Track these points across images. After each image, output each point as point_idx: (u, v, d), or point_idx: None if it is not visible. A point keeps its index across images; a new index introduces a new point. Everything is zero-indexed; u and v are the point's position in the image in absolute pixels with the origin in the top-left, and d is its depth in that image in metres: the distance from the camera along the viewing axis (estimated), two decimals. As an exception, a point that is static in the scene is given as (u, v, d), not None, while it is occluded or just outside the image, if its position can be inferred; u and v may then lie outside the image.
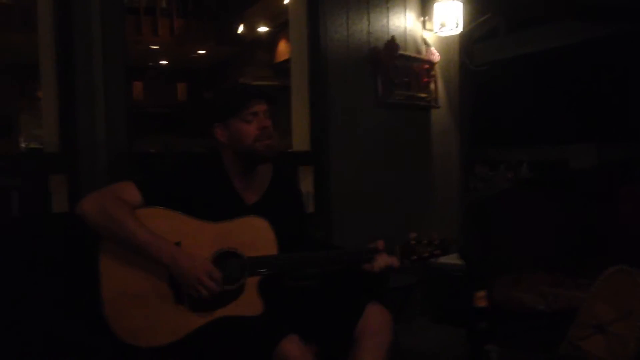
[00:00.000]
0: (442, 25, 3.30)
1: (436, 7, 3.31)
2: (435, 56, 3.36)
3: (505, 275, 2.44)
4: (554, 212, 2.79)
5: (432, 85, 3.38)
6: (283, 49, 5.87)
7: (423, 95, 3.33)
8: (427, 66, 3.34)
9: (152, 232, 1.55)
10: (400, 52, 3.13)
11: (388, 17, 3.16)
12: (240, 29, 6.22)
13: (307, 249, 1.76)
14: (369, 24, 3.07)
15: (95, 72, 2.17)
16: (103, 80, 2.18)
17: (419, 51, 3.33)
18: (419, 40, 3.34)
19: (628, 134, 4.82)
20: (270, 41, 6.25)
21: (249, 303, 1.60)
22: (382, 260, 1.66)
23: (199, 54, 6.91)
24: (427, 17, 3.35)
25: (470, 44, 3.79)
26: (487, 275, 2.38)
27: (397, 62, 3.12)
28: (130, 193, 1.61)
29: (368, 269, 1.67)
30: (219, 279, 1.54)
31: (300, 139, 2.93)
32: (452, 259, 2.98)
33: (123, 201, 1.58)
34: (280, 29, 5.73)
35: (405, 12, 3.26)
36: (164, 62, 7.37)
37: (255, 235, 1.64)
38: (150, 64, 7.32)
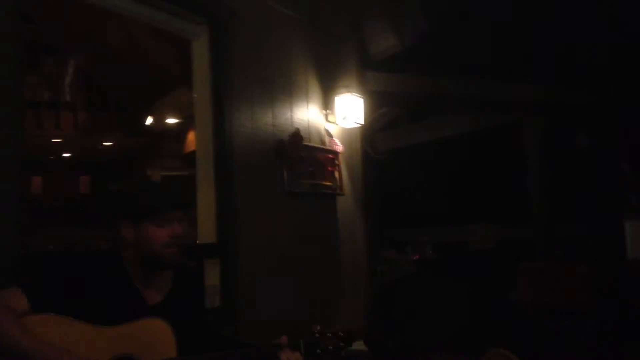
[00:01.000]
0: (344, 118, 3.48)
1: (337, 101, 3.50)
2: (339, 147, 3.51)
3: (415, 357, 2.46)
4: (455, 294, 2.90)
5: (336, 174, 3.50)
6: (192, 139, 5.91)
7: (328, 183, 3.43)
8: (331, 156, 3.47)
9: (40, 339, 1.44)
10: (305, 143, 3.24)
11: (292, 110, 3.29)
12: (149, 120, 6.21)
13: (212, 347, 1.69)
14: (273, 117, 3.17)
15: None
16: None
17: (322, 142, 3.47)
18: (323, 132, 3.49)
19: (523, 215, 5.21)
20: (179, 132, 6.28)
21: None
22: (286, 357, 1.63)
23: (105, 145, 6.79)
24: (329, 110, 3.53)
25: (371, 134, 4.01)
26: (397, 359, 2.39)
27: (301, 152, 3.22)
28: (15, 298, 1.50)
29: None
30: None
31: (206, 231, 2.88)
32: (361, 346, 2.97)
33: (7, 308, 1.47)
34: (189, 120, 5.78)
35: (308, 105, 3.41)
36: (67, 155, 7.15)
37: (153, 339, 1.56)
38: (52, 157, 7.07)
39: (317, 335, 1.67)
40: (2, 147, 2.10)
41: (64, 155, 7.13)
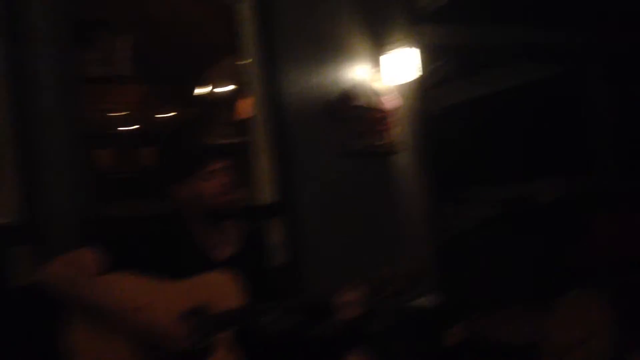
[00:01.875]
0: (396, 74, 3.40)
1: (388, 58, 3.41)
2: (392, 104, 3.44)
3: (480, 312, 2.44)
4: (522, 248, 2.84)
5: (390, 132, 3.45)
6: (244, 106, 5.95)
7: (383, 142, 3.39)
8: (384, 114, 3.41)
9: (115, 297, 1.51)
10: (356, 102, 3.20)
11: (341, 70, 3.25)
12: (201, 90, 6.29)
13: (277, 302, 1.73)
14: (322, 78, 3.14)
15: (52, 143, 2.17)
16: (62, 149, 2.18)
17: (374, 100, 3.41)
18: (374, 90, 3.43)
19: (589, 166, 5.00)
20: (230, 100, 6.34)
21: (223, 359, 1.55)
22: (352, 307, 1.65)
23: (162, 117, 6.94)
24: (380, 67, 3.45)
25: (426, 89, 3.90)
26: (461, 313, 2.37)
27: (353, 112, 3.18)
28: (91, 258, 1.58)
29: (340, 317, 1.65)
30: (188, 338, 1.50)
31: (265, 194, 2.94)
32: (426, 300, 2.97)
33: (85, 266, 1.55)
34: (240, 87, 5.82)
35: (357, 64, 3.35)
36: (128, 128, 7.37)
37: (224, 289, 1.62)
38: (113, 131, 7.31)
39: (379, 282, 1.68)
40: (71, 123, 2.20)
41: (124, 128, 7.34)
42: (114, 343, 1.51)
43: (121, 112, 6.41)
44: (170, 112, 6.80)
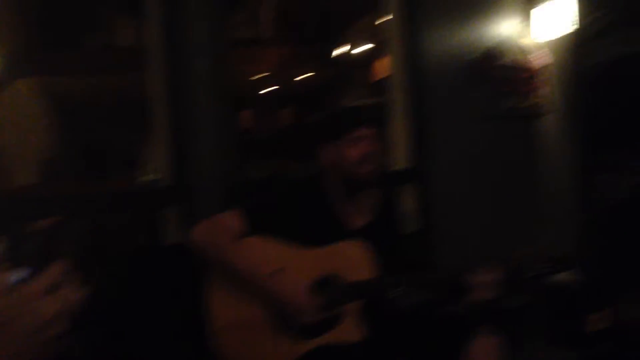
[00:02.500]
0: (548, 27, 3.11)
1: (539, 10, 3.13)
2: (542, 60, 3.18)
3: (633, 292, 2.22)
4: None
5: (540, 92, 3.20)
6: (382, 66, 5.88)
7: (530, 103, 3.15)
8: (532, 72, 3.16)
9: (255, 261, 1.60)
10: (502, 60, 3.00)
11: (486, 25, 3.05)
12: (340, 51, 6.33)
13: (411, 271, 1.72)
14: (467, 35, 2.98)
15: (203, 105, 2.27)
16: (211, 111, 2.28)
17: (522, 57, 3.17)
18: (522, 46, 3.18)
19: None
20: (369, 60, 6.30)
21: (350, 329, 1.59)
22: (487, 288, 1.58)
23: (303, 78, 7.12)
24: (528, 22, 3.18)
25: (583, 42, 3.54)
26: (611, 293, 2.17)
27: (498, 71, 2.99)
28: (236, 222, 1.68)
29: (473, 297, 1.60)
30: (318, 306, 1.55)
31: (401, 157, 2.89)
32: (570, 275, 2.77)
33: (229, 230, 1.65)
34: (379, 46, 5.75)
35: (505, 17, 3.12)
36: (270, 89, 7.67)
37: (355, 260, 1.64)
38: (258, 92, 7.66)
39: (520, 261, 1.59)
40: (217, 83, 2.31)
41: (267, 90, 7.67)
42: (250, 306, 1.60)
43: (265, 73, 6.70)
44: (312, 73, 6.96)
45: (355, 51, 6.20)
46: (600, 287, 2.37)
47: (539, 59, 3.18)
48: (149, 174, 6.45)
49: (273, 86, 7.45)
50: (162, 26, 2.23)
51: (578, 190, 3.34)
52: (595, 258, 2.55)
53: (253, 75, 6.64)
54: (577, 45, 3.42)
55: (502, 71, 3.04)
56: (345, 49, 6.27)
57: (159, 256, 2.05)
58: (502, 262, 1.60)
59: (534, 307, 2.91)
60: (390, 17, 2.93)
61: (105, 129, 6.12)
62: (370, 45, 6.01)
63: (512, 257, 1.60)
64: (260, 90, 7.56)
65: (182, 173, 2.23)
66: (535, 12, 3.14)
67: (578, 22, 3.11)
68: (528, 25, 3.18)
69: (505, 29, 3.13)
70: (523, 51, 3.18)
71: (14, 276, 0.60)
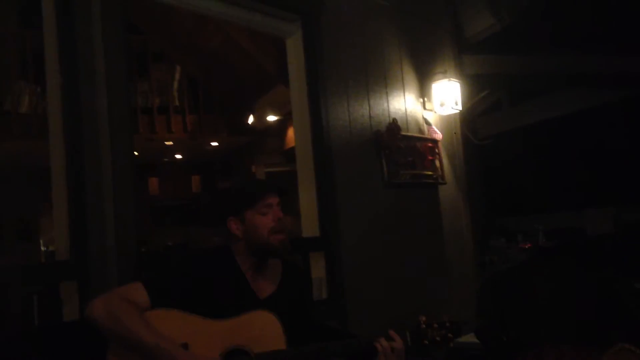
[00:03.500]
0: (442, 104, 3.39)
1: (434, 88, 3.42)
2: (438, 135, 3.43)
3: (527, 353, 2.35)
4: (573, 283, 2.73)
5: (437, 162, 3.43)
6: (292, 136, 6.05)
7: (429, 172, 3.37)
8: (430, 144, 3.40)
9: (159, 334, 1.54)
10: (403, 133, 3.20)
11: (388, 100, 3.26)
12: (251, 119, 6.44)
13: (318, 339, 1.73)
14: (369, 108, 3.16)
15: (104, 174, 2.21)
16: (112, 181, 2.22)
17: (421, 131, 3.41)
18: (420, 120, 3.42)
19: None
20: (279, 129, 6.46)
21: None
22: (381, 346, 1.63)
23: (212, 146, 7.13)
24: (426, 98, 3.45)
25: (472, 119, 3.87)
26: (506, 354, 2.29)
27: (400, 143, 3.18)
28: (138, 294, 1.62)
29: (381, 358, 1.63)
30: None
31: (309, 225, 2.94)
32: (471, 338, 2.89)
33: (131, 303, 1.59)
34: (288, 117, 5.93)
35: (404, 94, 3.36)
36: (179, 157, 7.59)
37: (263, 330, 1.63)
38: (165, 159, 7.55)
39: (423, 326, 1.65)
40: (120, 152, 2.26)
41: (176, 157, 7.58)
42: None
43: (174, 140, 6.66)
44: (221, 141, 7.00)
45: (265, 120, 6.34)
46: (497, 348, 2.49)
47: (438, 132, 3.43)
48: (47, 245, 6.08)
49: (181, 153, 7.40)
50: (63, 93, 2.18)
51: (474, 256, 3.55)
52: (492, 320, 2.68)
53: (162, 143, 6.57)
54: (470, 121, 3.74)
55: (404, 142, 3.23)
56: (255, 118, 6.39)
57: (56, 334, 1.92)
58: (408, 327, 1.66)
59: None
60: (297, 89, 3.06)
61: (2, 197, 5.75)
62: (280, 116, 6.17)
63: (416, 323, 1.66)
64: (169, 158, 7.48)
65: (82, 244, 2.12)
66: (432, 90, 3.42)
67: (466, 101, 3.42)
68: (427, 100, 3.44)
69: (407, 103, 3.37)
70: (423, 124, 3.42)
71: None
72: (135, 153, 2.41)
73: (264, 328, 1.62)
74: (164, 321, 1.58)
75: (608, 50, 4.00)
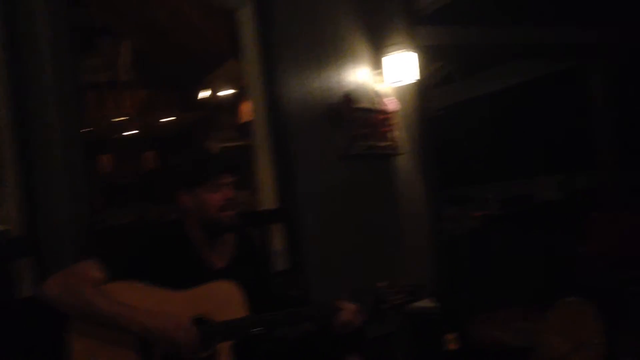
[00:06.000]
0: (396, 76, 3.41)
1: (388, 60, 3.43)
2: (392, 105, 3.46)
3: (480, 314, 2.45)
4: (522, 248, 2.85)
5: (392, 134, 3.47)
6: (246, 110, 5.98)
7: (384, 144, 3.40)
8: (385, 116, 3.43)
9: (119, 302, 1.53)
10: (357, 105, 3.22)
11: (342, 73, 3.27)
12: (203, 94, 6.32)
13: (280, 309, 1.75)
14: (323, 81, 3.16)
15: (54, 150, 2.16)
16: (63, 158, 2.17)
17: (375, 103, 3.43)
18: (374, 92, 3.44)
19: (589, 163, 5.00)
20: (233, 103, 6.36)
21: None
22: (350, 313, 1.67)
23: (165, 121, 6.98)
24: (380, 70, 3.47)
25: (426, 90, 3.91)
26: (461, 316, 2.39)
27: (354, 115, 3.20)
28: (93, 270, 1.60)
29: (339, 323, 1.67)
30: (196, 337, 1.52)
31: (266, 197, 2.95)
32: (428, 303, 2.98)
33: (87, 279, 1.57)
34: (242, 91, 5.84)
35: (358, 67, 3.37)
36: (131, 133, 7.40)
37: (224, 299, 1.64)
38: (116, 135, 7.34)
39: (382, 291, 1.70)
40: (69, 129, 2.21)
41: (127, 133, 7.39)
42: (117, 353, 1.53)
43: (124, 117, 6.47)
44: (172, 117, 6.86)
45: (219, 94, 6.24)
46: (453, 309, 2.59)
47: (392, 104, 3.46)
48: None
49: (133, 130, 7.21)
50: (9, 69, 2.10)
51: (430, 223, 3.64)
52: (447, 285, 2.78)
53: (112, 119, 6.38)
54: (423, 92, 3.78)
55: (359, 114, 3.25)
56: (208, 92, 6.28)
57: (9, 312, 1.87)
58: (366, 293, 1.70)
59: (398, 334, 3.08)
60: (250, 62, 3.03)
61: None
62: (233, 90, 6.08)
63: (375, 288, 1.71)
64: (120, 134, 7.28)
65: (33, 222, 2.07)
66: (384, 61, 3.43)
67: (420, 73, 3.45)
68: (380, 72, 3.46)
69: (361, 75, 3.38)
70: (377, 96, 3.45)
71: None
72: (86, 129, 2.36)
73: (225, 297, 1.64)
74: (124, 292, 1.57)
75: (558, 21, 4.11)
